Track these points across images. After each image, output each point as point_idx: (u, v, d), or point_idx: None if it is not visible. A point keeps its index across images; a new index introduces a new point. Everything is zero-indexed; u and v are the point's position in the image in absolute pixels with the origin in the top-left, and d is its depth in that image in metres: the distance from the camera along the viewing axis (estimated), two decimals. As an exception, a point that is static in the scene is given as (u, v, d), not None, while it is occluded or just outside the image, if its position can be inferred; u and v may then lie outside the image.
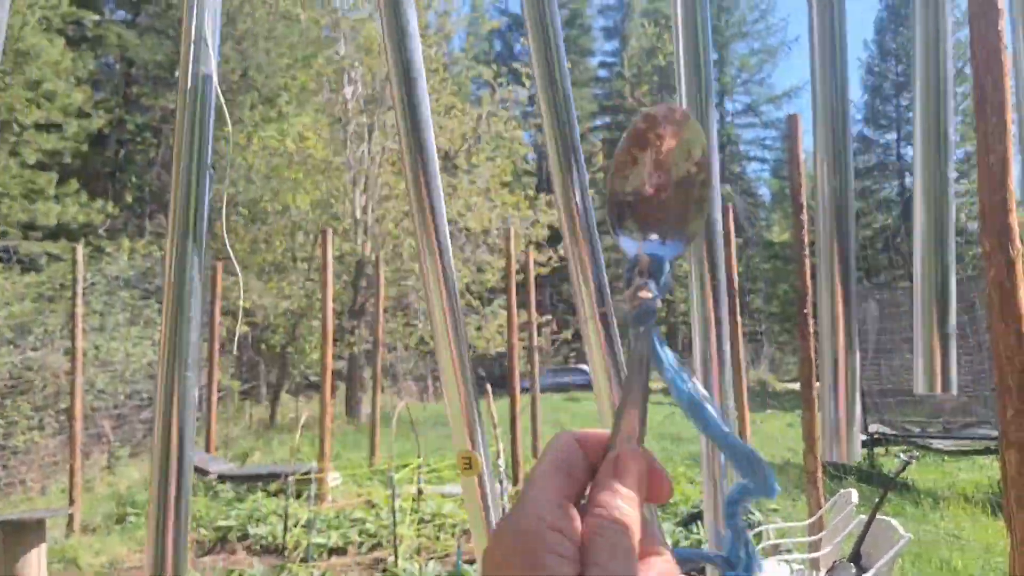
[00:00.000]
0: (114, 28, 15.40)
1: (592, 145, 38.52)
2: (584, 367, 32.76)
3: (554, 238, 19.79)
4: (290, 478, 6.92)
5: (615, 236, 0.51)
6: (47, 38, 12.10)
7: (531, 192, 18.28)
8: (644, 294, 0.48)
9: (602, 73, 44.46)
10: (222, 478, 8.13)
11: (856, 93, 35.24)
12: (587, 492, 0.42)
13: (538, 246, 17.45)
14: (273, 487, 7.74)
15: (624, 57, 38.71)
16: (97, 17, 14.96)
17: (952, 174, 0.65)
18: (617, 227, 0.51)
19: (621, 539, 0.39)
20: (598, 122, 43.22)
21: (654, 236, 0.50)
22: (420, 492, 6.71)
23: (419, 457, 7.36)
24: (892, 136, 35.49)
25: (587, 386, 30.39)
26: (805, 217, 4.71)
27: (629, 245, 0.50)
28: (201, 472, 8.22)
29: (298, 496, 7.08)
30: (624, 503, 0.40)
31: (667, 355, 0.46)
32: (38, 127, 11.97)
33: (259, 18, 15.42)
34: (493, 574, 0.38)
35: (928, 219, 0.65)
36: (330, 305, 7.81)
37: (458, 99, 16.82)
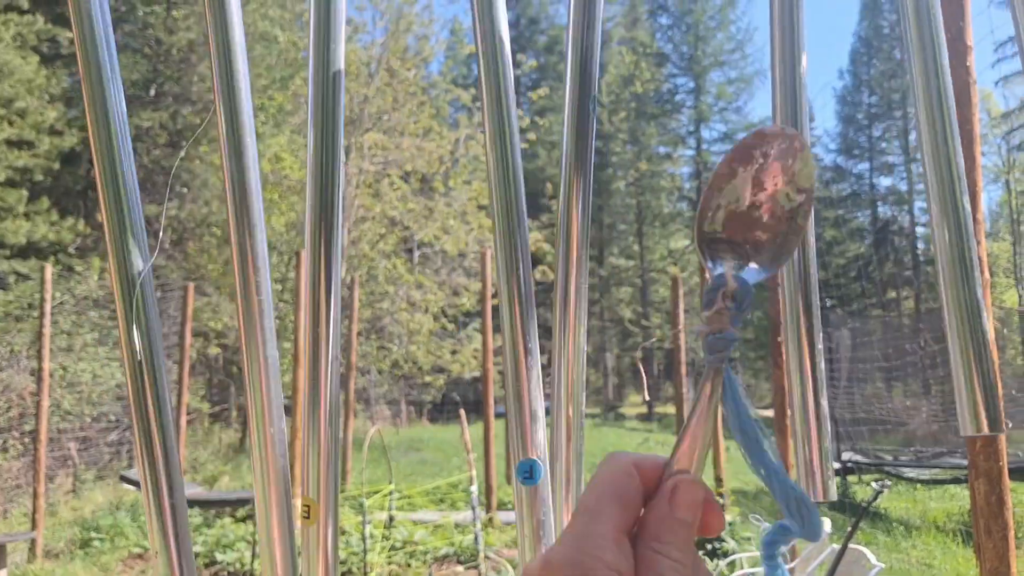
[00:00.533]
0: (90, 46, 15.27)
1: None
2: (559, 392, 32.67)
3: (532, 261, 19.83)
4: (259, 503, 6.79)
5: (700, 254, 0.49)
6: (21, 55, 11.99)
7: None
8: (724, 319, 0.46)
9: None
10: (190, 503, 7.97)
11: (831, 123, 35.80)
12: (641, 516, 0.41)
13: (514, 270, 17.45)
14: (242, 513, 7.60)
15: (602, 84, 39.05)
16: (72, 35, 14.84)
17: (967, 204, 0.63)
18: (704, 245, 0.49)
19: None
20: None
21: (743, 259, 0.48)
22: (392, 519, 6.62)
23: (391, 483, 7.27)
24: (865, 166, 36.06)
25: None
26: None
27: (715, 265, 0.48)
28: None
29: (267, 522, 6.94)
30: (680, 536, 0.39)
31: (737, 386, 0.45)
32: (9, 144, 11.82)
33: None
34: None
35: (951, 251, 0.62)
36: (302, 327, 7.72)
37: (436, 122, 16.85)
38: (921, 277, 32.48)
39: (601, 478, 0.41)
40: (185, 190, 15.92)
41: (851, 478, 8.77)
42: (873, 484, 4.00)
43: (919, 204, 35.21)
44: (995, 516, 2.20)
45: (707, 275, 0.48)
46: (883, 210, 36.17)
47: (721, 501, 6.93)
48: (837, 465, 8.76)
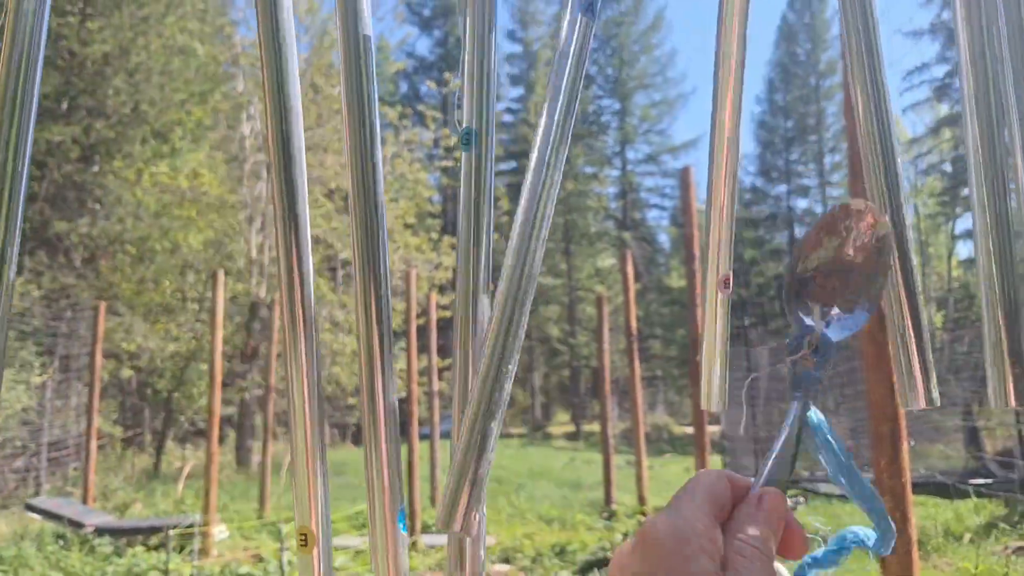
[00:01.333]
0: (-4, 55, 14.64)
1: (496, 189, 38.89)
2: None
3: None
4: (171, 531, 6.55)
5: (788, 309, 0.56)
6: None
7: (435, 235, 18.21)
8: (807, 364, 0.53)
9: (507, 119, 45.14)
10: (100, 531, 7.63)
11: (750, 146, 36.88)
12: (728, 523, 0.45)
13: (441, 289, 17.36)
14: (154, 541, 7.30)
15: (530, 104, 39.43)
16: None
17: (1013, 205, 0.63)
18: (794, 301, 0.55)
19: (759, 565, 0.42)
20: (503, 167, 43.71)
21: (827, 316, 0.55)
22: (310, 545, 6.44)
23: (310, 508, 7.08)
24: (783, 188, 37.22)
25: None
26: (698, 267, 4.80)
27: (803, 319, 0.55)
28: (77, 525, 7.70)
29: (180, 550, 6.70)
30: (763, 533, 0.43)
31: (821, 420, 0.52)
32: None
33: (154, 51, 14.97)
34: (638, 561, 0.41)
35: (990, 238, 0.62)
36: (219, 348, 7.49)
37: (361, 140, 16.66)
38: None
39: (697, 478, 0.46)
40: (98, 206, 15.32)
41: (770, 494, 8.95)
42: (787, 501, 4.07)
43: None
44: (899, 530, 2.24)
45: (793, 322, 0.55)
46: (800, 231, 37.41)
47: (643, 520, 6.97)
48: (756, 481, 8.94)
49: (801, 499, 4.03)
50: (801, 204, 37.82)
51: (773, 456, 0.50)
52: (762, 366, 10.49)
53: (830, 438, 0.51)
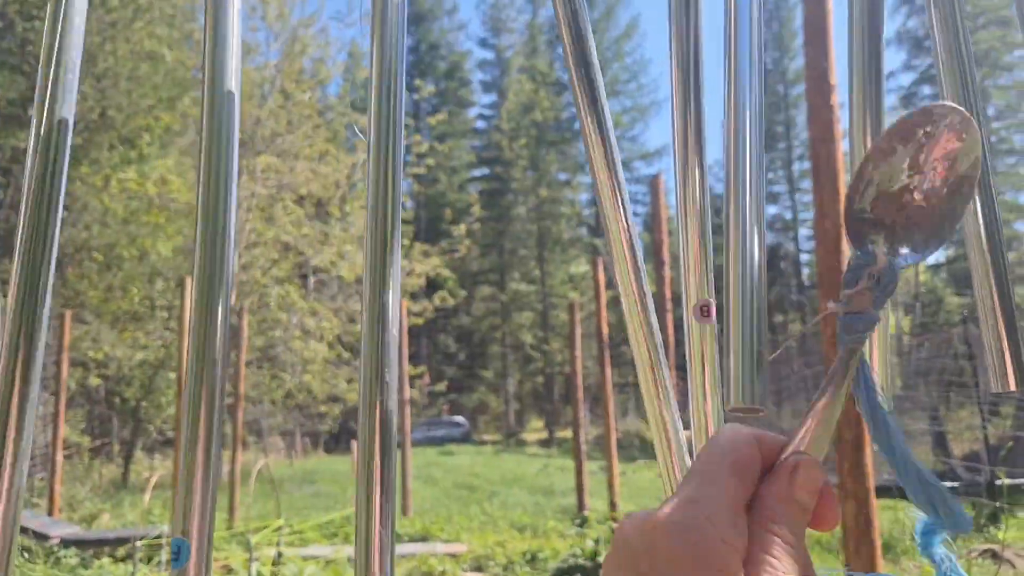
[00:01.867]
0: (-40, 60, 14.43)
1: (469, 196, 38.94)
2: (459, 419, 32.48)
3: (430, 287, 19.70)
4: (139, 543, 6.46)
5: (848, 232, 0.47)
6: None
7: (407, 241, 18.17)
8: (866, 300, 0.45)
9: (480, 125, 45.19)
10: (66, 543, 7.51)
11: (719, 153, 37.20)
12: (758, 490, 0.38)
13: (412, 296, 17.30)
14: (121, 552, 7.19)
15: (503, 111, 39.49)
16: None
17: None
18: (852, 223, 0.47)
19: (788, 565, 0.36)
20: (476, 173, 43.74)
21: (894, 241, 0.47)
22: (280, 555, 6.38)
23: (280, 518, 7.02)
24: (753, 195, 37.61)
25: (462, 439, 30.11)
26: (667, 272, 4.84)
27: (864, 244, 0.47)
28: (42, 537, 7.56)
29: (148, 561, 6.61)
30: (796, 519, 0.37)
31: (870, 371, 0.44)
32: None
33: (121, 56, 14.79)
34: (641, 559, 0.34)
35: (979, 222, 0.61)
36: (187, 356, 7.39)
37: (332, 146, 16.60)
38: (807, 301, 33.99)
39: (720, 444, 0.39)
40: (64, 213, 15.08)
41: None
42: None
43: (804, 231, 36.95)
44: (863, 536, 2.27)
45: (851, 253, 0.47)
46: (770, 237, 37.78)
47: (615, 526, 6.98)
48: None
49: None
50: (771, 210, 38.25)
51: (815, 412, 0.42)
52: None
53: (873, 395, 0.43)
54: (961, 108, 0.47)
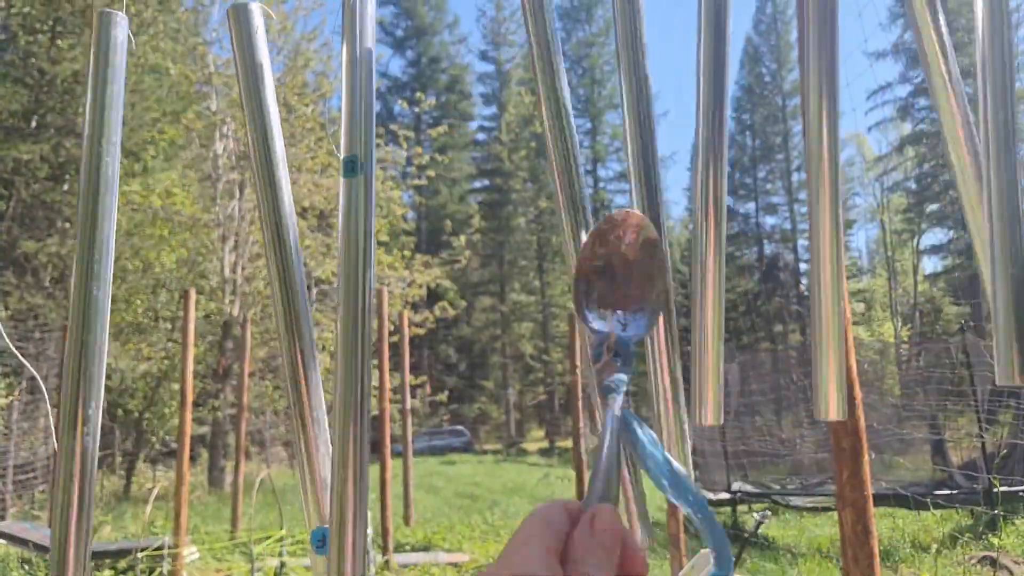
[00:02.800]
0: (-35, 74, 14.53)
1: (470, 207, 39.03)
2: (460, 428, 32.47)
3: (431, 298, 19.75)
4: (140, 554, 6.48)
5: (579, 318, 0.57)
6: None
7: (408, 252, 18.23)
8: (612, 369, 0.53)
9: (480, 137, 45.36)
10: (65, 556, 7.53)
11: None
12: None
13: (414, 307, 17.35)
14: (122, 564, 7.20)
15: (502, 123, 39.64)
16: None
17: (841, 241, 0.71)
18: (585, 309, 0.58)
19: None
20: (476, 184, 43.88)
21: (619, 318, 0.56)
22: (283, 565, 6.41)
23: (283, 528, 7.05)
24: (751, 205, 37.69)
25: (463, 448, 30.08)
26: (672, 283, 4.90)
27: (598, 324, 0.57)
28: (42, 550, 7.57)
29: (149, 573, 6.63)
30: (601, 558, 0.43)
31: (636, 425, 0.51)
32: None
33: (126, 70, 14.91)
34: None
35: (818, 266, 0.70)
36: (190, 367, 7.42)
37: (335, 159, 16.68)
38: (806, 311, 34.00)
39: (530, 517, 0.45)
40: (67, 225, 15.19)
41: (741, 508, 9.03)
42: (755, 515, 4.13)
43: (803, 242, 37.04)
44: (861, 544, 2.31)
45: (588, 332, 0.56)
46: (769, 247, 37.86)
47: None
48: (726, 496, 9.01)
49: (768, 513, 4.09)
50: (770, 221, 38.35)
51: (600, 471, 0.48)
52: (732, 381, 10.61)
53: (647, 443, 0.49)
54: (633, 210, 0.63)
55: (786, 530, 8.41)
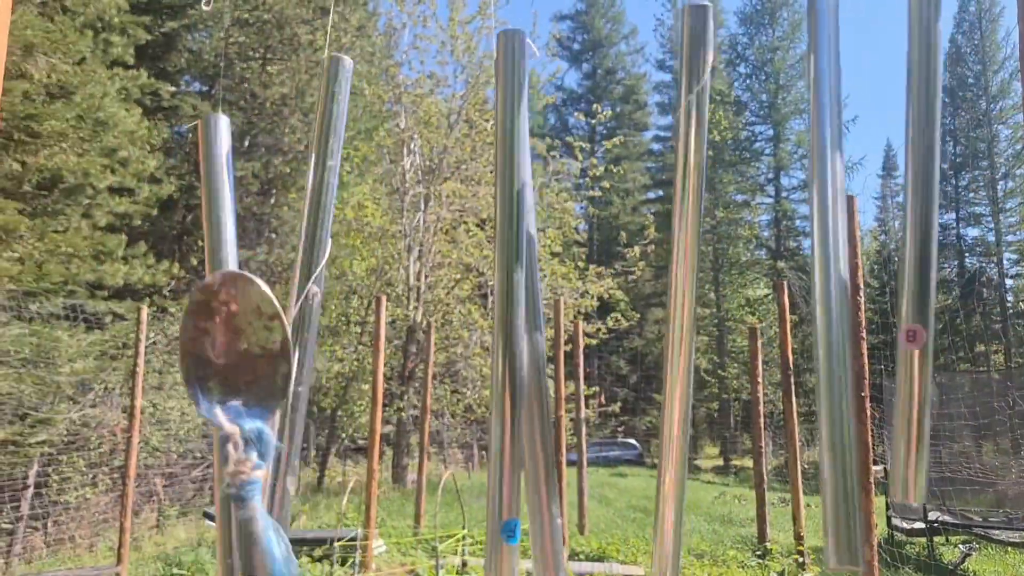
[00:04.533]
0: (189, 99, 16.15)
1: (644, 217, 38.70)
2: (632, 441, 32.19)
3: (603, 309, 19.78)
4: (335, 544, 6.89)
5: (202, 411, 0.42)
6: (125, 107, 12.72)
7: (581, 263, 18.37)
8: (247, 467, 0.40)
9: (655, 147, 44.93)
10: (267, 540, 8.14)
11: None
12: None
13: (587, 317, 17.45)
14: (318, 552, 7.70)
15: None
16: (173, 89, 15.72)
17: None
18: (202, 401, 0.42)
19: None
20: (651, 195, 43.49)
21: (245, 405, 0.42)
22: (464, 564, 6.63)
23: (464, 528, 7.29)
24: (951, 216, 34.93)
25: (634, 461, 29.79)
26: (863, 297, 4.69)
27: (220, 419, 0.42)
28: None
29: (343, 563, 7.03)
30: None
31: (270, 523, 0.43)
32: (111, 191, 12.48)
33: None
34: None
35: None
36: (380, 369, 7.86)
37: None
38: (1011, 331, 31.09)
39: None
40: (274, 235, 16.54)
41: (938, 539, 8.41)
42: (960, 547, 3.87)
43: (1008, 255, 33.92)
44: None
45: (213, 429, 0.40)
46: (970, 261, 34.92)
47: (800, 559, 6.75)
48: (922, 525, 8.40)
49: (976, 545, 3.79)
50: (972, 233, 35.37)
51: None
52: (929, 403, 9.90)
53: (268, 535, 0.41)
54: (235, 271, 0.45)
55: (988, 565, 7.75)
